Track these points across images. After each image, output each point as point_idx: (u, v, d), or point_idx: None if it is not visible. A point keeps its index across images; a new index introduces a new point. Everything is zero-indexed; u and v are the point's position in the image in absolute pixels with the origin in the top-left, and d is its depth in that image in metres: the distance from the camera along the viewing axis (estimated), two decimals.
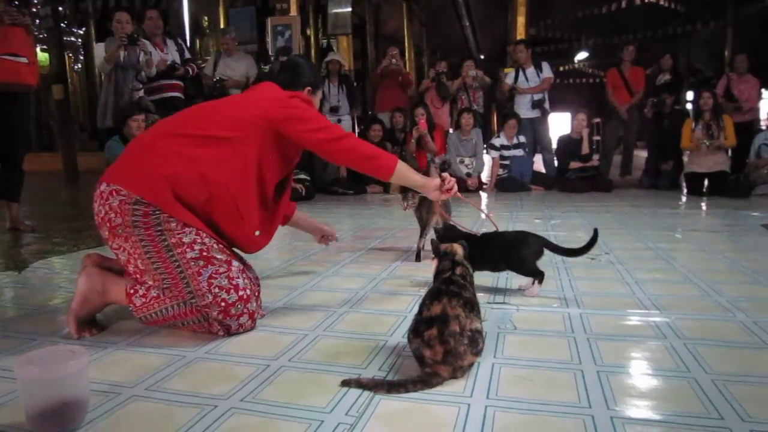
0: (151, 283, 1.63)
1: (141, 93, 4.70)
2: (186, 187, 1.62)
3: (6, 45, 3.39)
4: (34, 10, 8.81)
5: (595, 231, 2.01)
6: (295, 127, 1.76)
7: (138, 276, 1.64)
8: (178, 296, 1.61)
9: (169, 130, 1.72)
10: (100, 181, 1.65)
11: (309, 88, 1.98)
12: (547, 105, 6.55)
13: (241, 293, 1.62)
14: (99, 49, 4.73)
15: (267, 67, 10.51)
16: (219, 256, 1.63)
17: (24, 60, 3.49)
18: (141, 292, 1.64)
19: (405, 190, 2.57)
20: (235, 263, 1.68)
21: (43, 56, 9.81)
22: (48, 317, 1.88)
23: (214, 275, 1.60)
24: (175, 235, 1.59)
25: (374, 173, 1.85)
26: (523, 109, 6.50)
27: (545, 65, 6.56)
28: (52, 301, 2.07)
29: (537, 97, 6.45)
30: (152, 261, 1.60)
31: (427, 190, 1.95)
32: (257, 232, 1.79)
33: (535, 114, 6.52)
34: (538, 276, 2.02)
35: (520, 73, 6.51)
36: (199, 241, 1.62)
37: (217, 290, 1.59)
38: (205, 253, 1.61)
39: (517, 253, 2.03)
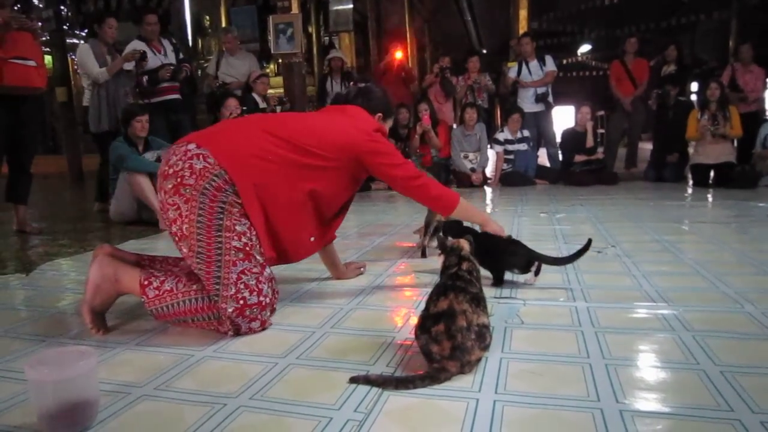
0: (185, 250, 1.64)
1: (130, 98, 4.75)
2: (269, 182, 1.71)
3: (14, 49, 3.41)
4: (35, 13, 8.82)
5: (589, 240, 2.03)
6: (377, 160, 1.92)
7: (176, 238, 1.65)
8: (196, 285, 1.62)
9: (268, 128, 1.79)
10: (186, 140, 1.70)
11: (380, 114, 2.13)
12: (550, 99, 6.52)
13: (261, 299, 1.63)
14: (84, 52, 4.64)
15: (267, 65, 10.52)
16: (258, 257, 1.66)
17: (32, 63, 3.51)
18: (155, 284, 1.64)
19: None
20: (268, 270, 1.70)
21: (47, 59, 9.83)
22: (56, 318, 1.89)
23: (245, 271, 1.61)
24: (231, 218, 1.62)
25: (438, 210, 2.11)
26: (527, 103, 6.47)
27: (549, 58, 6.53)
28: (60, 303, 2.08)
29: (540, 90, 6.42)
30: (198, 231, 1.60)
31: (486, 226, 2.09)
32: (312, 238, 1.90)
33: (538, 108, 6.49)
34: (499, 283, 2.08)
35: (524, 67, 6.49)
36: (248, 234, 1.65)
37: (242, 286, 1.60)
38: (248, 248, 1.63)
39: (503, 257, 2.06)
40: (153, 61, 4.88)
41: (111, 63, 4.64)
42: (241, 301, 1.59)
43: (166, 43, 5.12)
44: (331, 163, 1.84)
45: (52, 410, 1.07)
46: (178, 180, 1.61)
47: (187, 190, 1.60)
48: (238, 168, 1.65)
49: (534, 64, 6.46)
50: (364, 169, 1.95)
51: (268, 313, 1.70)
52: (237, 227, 1.63)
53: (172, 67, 4.96)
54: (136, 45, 4.87)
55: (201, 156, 1.63)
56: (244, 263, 1.62)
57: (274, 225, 1.75)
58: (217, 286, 1.60)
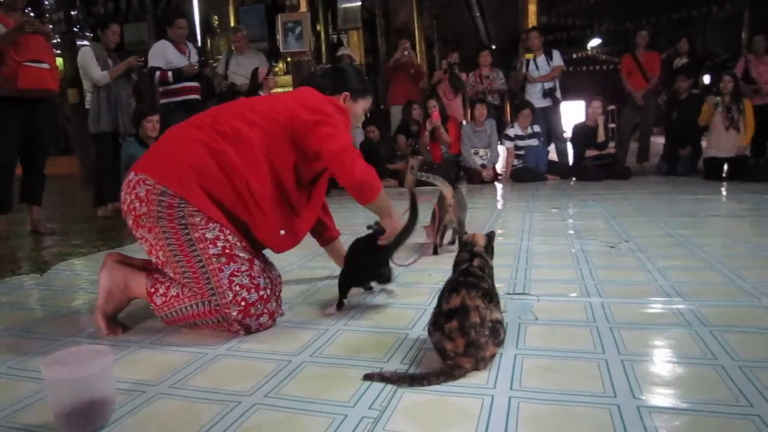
0: (171, 275, 1.64)
1: (132, 101, 4.80)
2: (211, 180, 1.61)
3: (28, 52, 3.44)
4: (47, 15, 8.90)
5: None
6: (313, 130, 1.69)
7: (159, 266, 1.65)
8: (198, 294, 1.61)
9: (198, 123, 1.72)
10: (129, 171, 1.66)
11: (347, 93, 1.94)
12: (558, 94, 6.48)
13: (261, 293, 1.62)
14: (86, 55, 4.66)
15: (277, 64, 10.52)
16: (241, 255, 1.63)
17: (46, 66, 3.54)
18: (161, 291, 1.65)
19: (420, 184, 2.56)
20: (257, 262, 1.68)
21: (58, 61, 9.91)
22: (71, 318, 1.90)
23: (235, 273, 1.60)
24: (198, 229, 1.59)
25: (357, 198, 1.76)
26: (534, 98, 6.44)
27: (556, 54, 6.49)
28: (75, 302, 2.10)
29: (548, 85, 6.39)
30: (174, 254, 1.60)
31: (388, 222, 1.85)
32: (282, 231, 1.76)
33: (546, 103, 6.46)
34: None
35: (531, 62, 6.46)
36: (222, 237, 1.61)
37: (237, 288, 1.59)
38: (227, 251, 1.61)
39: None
40: (179, 61, 4.93)
41: (112, 67, 4.67)
42: (243, 303, 1.59)
43: (190, 45, 5.18)
44: (265, 140, 1.68)
45: (68, 409, 1.08)
46: (133, 214, 1.61)
47: (145, 220, 1.59)
48: (176, 179, 1.59)
49: (541, 59, 6.43)
50: (307, 151, 1.73)
51: (274, 304, 1.69)
52: (207, 235, 1.59)
53: (196, 66, 5.02)
54: (164, 46, 4.92)
55: (140, 182, 1.60)
56: (230, 266, 1.60)
57: (238, 219, 1.67)
58: (214, 297, 1.59)
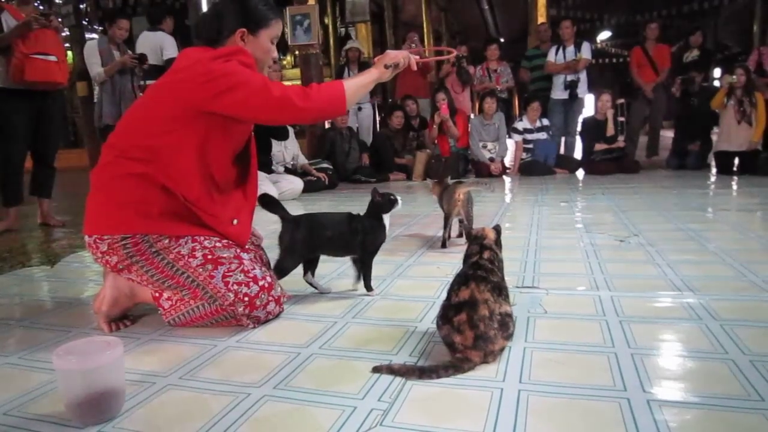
0: (174, 297, 1.64)
1: (138, 94, 4.79)
2: (155, 203, 1.55)
3: (36, 44, 3.45)
4: (57, 9, 8.93)
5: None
6: (224, 103, 1.52)
7: (158, 296, 1.66)
8: (202, 299, 1.61)
9: (108, 158, 1.59)
10: (83, 233, 1.61)
11: (243, 30, 1.63)
12: (581, 88, 6.34)
13: (261, 283, 1.60)
14: (90, 50, 4.64)
15: (285, 57, 10.50)
16: (225, 255, 1.60)
17: (54, 59, 3.55)
18: (166, 296, 1.65)
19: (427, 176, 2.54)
20: (246, 255, 1.65)
21: (67, 54, 9.95)
22: (82, 309, 1.91)
23: (227, 273, 1.57)
24: (171, 251, 1.57)
25: (332, 112, 1.68)
26: (558, 90, 6.38)
27: (585, 45, 6.35)
28: (85, 294, 2.11)
29: (570, 77, 6.32)
30: (162, 281, 1.60)
31: (380, 76, 1.75)
32: (235, 221, 1.69)
33: (567, 95, 6.40)
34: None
35: (559, 51, 6.38)
36: (198, 247, 1.59)
37: (236, 287, 1.57)
38: (210, 256, 1.58)
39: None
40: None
41: (112, 62, 4.66)
42: (246, 298, 1.57)
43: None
44: (184, 141, 1.54)
45: (79, 399, 1.08)
46: (109, 266, 1.61)
47: (121, 266, 1.58)
48: (124, 222, 1.54)
49: (570, 49, 6.34)
50: (223, 119, 1.57)
51: (279, 289, 1.68)
52: (182, 251, 1.58)
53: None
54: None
55: (98, 240, 1.56)
56: (219, 270, 1.57)
57: (199, 222, 1.62)
58: (217, 303, 1.59)
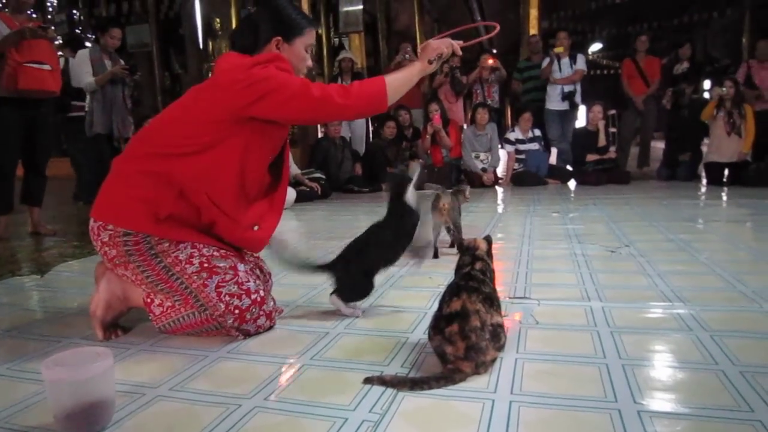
0: (166, 302, 1.63)
1: (129, 104, 4.80)
2: (166, 205, 1.55)
3: (30, 53, 3.44)
4: (50, 17, 8.92)
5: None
6: (265, 107, 1.54)
7: (150, 300, 1.65)
8: (193, 308, 1.60)
9: (137, 151, 1.62)
10: (90, 215, 1.61)
11: (278, 38, 1.66)
12: (578, 99, 6.47)
13: (254, 296, 1.59)
14: (81, 59, 4.64)
15: None
16: (222, 264, 1.59)
17: (47, 67, 3.54)
18: (157, 302, 1.64)
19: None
20: (242, 267, 1.63)
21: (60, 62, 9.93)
22: (71, 319, 1.90)
23: (221, 284, 1.56)
24: (170, 254, 1.57)
25: (374, 109, 1.66)
26: (554, 100, 6.44)
27: (580, 57, 6.49)
28: (75, 304, 2.09)
29: (568, 89, 6.38)
30: (155, 283, 1.59)
31: (423, 70, 1.71)
32: (256, 227, 1.69)
33: (564, 106, 6.46)
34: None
35: (555, 63, 6.44)
36: (197, 254, 1.58)
37: (228, 298, 1.56)
38: (206, 265, 1.57)
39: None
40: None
41: (104, 72, 4.66)
42: (237, 311, 1.56)
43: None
44: (226, 146, 1.56)
45: (68, 410, 1.07)
46: (106, 258, 1.60)
47: (118, 260, 1.58)
48: (131, 218, 1.54)
49: (565, 61, 6.41)
50: (264, 123, 1.59)
51: (271, 303, 1.68)
52: (180, 256, 1.57)
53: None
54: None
55: (102, 228, 1.56)
56: (214, 279, 1.56)
57: (208, 230, 1.63)
58: (207, 312, 1.58)
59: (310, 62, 1.76)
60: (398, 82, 1.66)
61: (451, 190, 2.75)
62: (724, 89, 5.41)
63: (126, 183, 1.59)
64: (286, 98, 1.55)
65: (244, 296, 1.58)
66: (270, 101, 1.54)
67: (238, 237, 1.68)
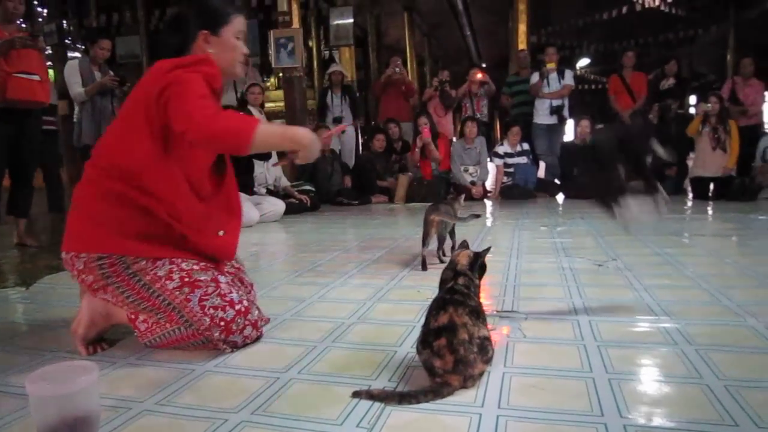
0: (149, 320, 1.62)
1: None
2: (132, 222, 1.54)
3: (19, 63, 3.44)
4: (40, 27, 8.89)
5: None
6: (166, 96, 1.46)
7: (134, 318, 1.63)
8: (178, 323, 1.59)
9: (91, 175, 1.60)
10: (61, 249, 1.61)
11: (205, 32, 1.60)
12: (566, 113, 6.55)
13: (238, 307, 1.58)
14: (71, 69, 4.65)
15: (269, 79, 10.54)
16: (203, 277, 1.57)
17: (36, 78, 3.53)
18: (142, 318, 1.63)
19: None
20: (223, 278, 1.62)
21: (49, 73, 9.89)
22: (57, 333, 1.88)
23: (203, 297, 1.54)
24: (148, 272, 1.56)
25: (234, 147, 1.52)
26: (542, 114, 6.51)
27: (568, 73, 6.59)
28: (61, 317, 2.07)
29: (556, 103, 6.45)
30: (137, 303, 1.58)
31: (299, 141, 1.53)
32: (221, 232, 1.68)
33: (552, 120, 6.52)
34: None
35: (544, 78, 6.51)
36: (176, 269, 1.57)
37: (212, 311, 1.54)
38: (186, 279, 1.56)
39: None
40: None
41: (93, 83, 4.65)
42: (222, 323, 1.54)
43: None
44: (154, 153, 1.52)
45: (53, 425, 1.06)
46: (86, 285, 1.61)
47: (97, 285, 1.58)
48: (100, 242, 1.54)
49: (553, 76, 6.49)
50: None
51: (256, 312, 1.67)
52: (159, 273, 1.56)
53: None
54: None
55: (74, 258, 1.57)
56: (196, 293, 1.54)
57: (177, 244, 1.60)
58: (192, 327, 1.57)
59: (245, 49, 1.69)
60: (271, 133, 1.53)
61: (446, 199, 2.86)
62: (709, 105, 5.50)
63: (88, 209, 1.59)
64: (180, 103, 1.46)
65: (228, 307, 1.56)
66: (171, 92, 1.46)
67: (208, 244, 1.66)
